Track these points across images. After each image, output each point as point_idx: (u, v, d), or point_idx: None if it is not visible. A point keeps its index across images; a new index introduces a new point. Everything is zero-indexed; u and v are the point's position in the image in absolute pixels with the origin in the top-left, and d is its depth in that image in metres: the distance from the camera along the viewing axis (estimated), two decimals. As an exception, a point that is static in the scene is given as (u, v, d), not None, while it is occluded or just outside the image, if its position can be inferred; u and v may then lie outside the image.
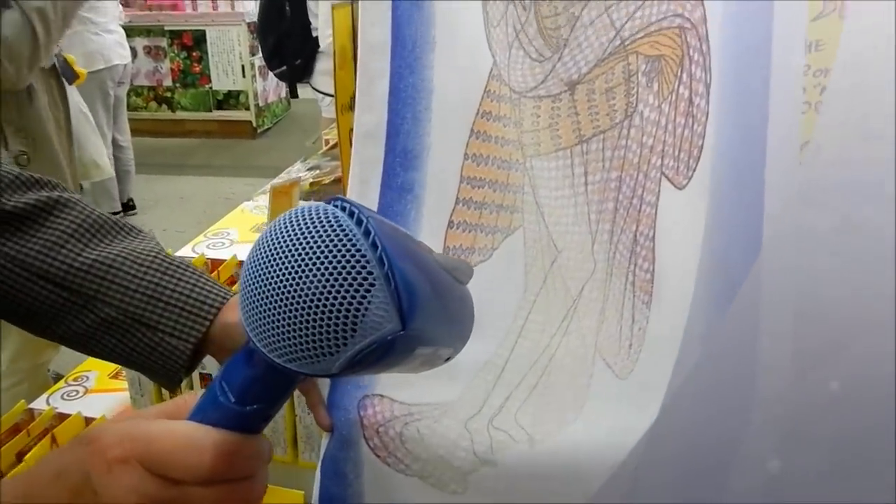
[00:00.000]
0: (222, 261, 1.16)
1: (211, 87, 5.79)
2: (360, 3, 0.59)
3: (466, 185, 0.61)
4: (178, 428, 0.38)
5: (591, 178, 0.58)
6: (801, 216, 0.57)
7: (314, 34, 3.52)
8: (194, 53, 5.69)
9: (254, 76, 5.70)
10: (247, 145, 5.84)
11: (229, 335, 0.60)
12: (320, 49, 3.51)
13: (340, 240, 0.33)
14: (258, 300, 0.34)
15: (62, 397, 1.19)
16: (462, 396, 0.59)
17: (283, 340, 0.34)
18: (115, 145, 4.18)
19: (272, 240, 0.35)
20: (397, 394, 0.59)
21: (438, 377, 0.59)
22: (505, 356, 0.60)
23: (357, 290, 0.33)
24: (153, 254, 0.62)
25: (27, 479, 0.41)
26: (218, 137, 5.91)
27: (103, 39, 3.81)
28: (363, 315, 0.33)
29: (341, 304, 0.33)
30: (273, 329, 0.34)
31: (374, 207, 0.61)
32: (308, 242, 0.33)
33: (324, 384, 0.60)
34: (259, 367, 0.37)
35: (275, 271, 0.34)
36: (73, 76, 1.82)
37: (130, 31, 5.19)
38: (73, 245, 0.61)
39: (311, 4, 3.47)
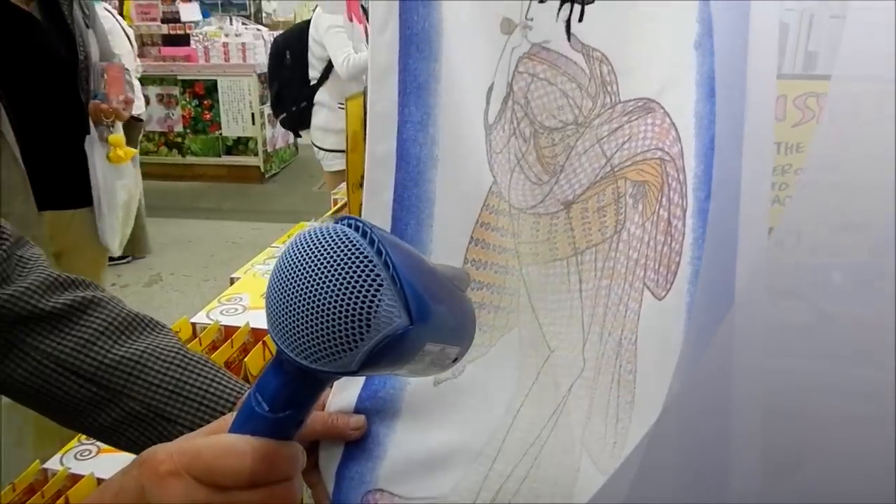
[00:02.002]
0: (236, 328, 1.21)
1: (220, 134, 5.91)
2: (368, 119, 0.65)
3: None
4: (221, 439, 0.43)
5: (584, 285, 0.63)
6: (773, 313, 0.61)
7: (311, 83, 3.63)
8: (205, 101, 5.83)
9: (263, 123, 5.82)
10: (255, 190, 5.93)
11: None
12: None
13: (350, 249, 0.39)
14: (283, 310, 0.39)
15: (75, 457, 1.22)
16: (455, 489, 0.62)
17: (308, 342, 0.39)
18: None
19: (291, 256, 0.40)
20: (397, 488, 0.63)
21: (434, 470, 0.64)
22: (497, 447, 0.64)
23: (367, 291, 0.38)
24: (175, 349, 0.67)
25: (89, 502, 0.46)
26: (227, 182, 6.00)
27: None
28: (375, 312, 0.38)
29: (355, 303, 0.38)
30: (298, 333, 0.39)
31: None
32: (322, 254, 0.39)
33: (329, 481, 0.65)
34: (288, 375, 0.42)
35: (296, 282, 0.39)
36: None
37: (144, 80, 5.32)
38: (103, 342, 0.66)
39: (309, 56, 3.57)
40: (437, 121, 0.63)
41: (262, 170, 6.03)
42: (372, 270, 0.38)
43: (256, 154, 5.96)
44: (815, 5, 0.88)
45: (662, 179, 0.57)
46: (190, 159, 6.06)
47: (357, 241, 0.39)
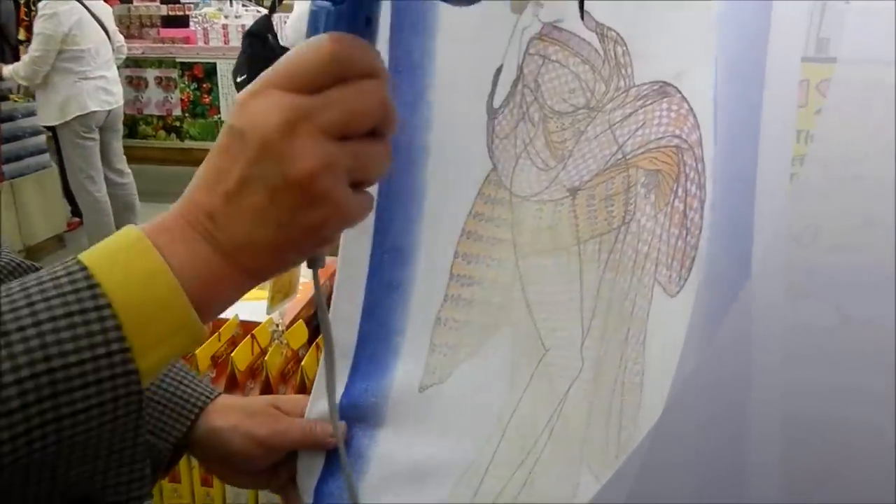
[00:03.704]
0: (224, 320, 1.17)
1: (219, 118, 5.85)
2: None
3: (455, 283, 0.61)
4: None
5: (585, 276, 0.59)
6: (791, 314, 0.57)
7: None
8: (204, 85, 5.77)
9: (263, 108, 5.78)
10: (253, 175, 5.90)
11: (217, 440, 0.60)
12: None
13: None
14: None
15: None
16: None
17: None
18: (112, 183, 4.19)
19: None
20: None
21: (420, 486, 0.59)
22: (487, 460, 0.60)
23: None
24: None
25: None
26: (225, 167, 5.97)
27: (80, 87, 3.79)
28: None
29: None
30: None
31: (360, 305, 0.61)
32: None
33: (307, 496, 0.60)
34: None
35: None
36: None
37: (143, 63, 5.27)
38: None
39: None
40: (430, 103, 0.58)
41: (261, 155, 5.99)
42: None
43: (255, 139, 5.93)
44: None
45: (679, 169, 0.53)
46: (188, 143, 5.99)
47: None
